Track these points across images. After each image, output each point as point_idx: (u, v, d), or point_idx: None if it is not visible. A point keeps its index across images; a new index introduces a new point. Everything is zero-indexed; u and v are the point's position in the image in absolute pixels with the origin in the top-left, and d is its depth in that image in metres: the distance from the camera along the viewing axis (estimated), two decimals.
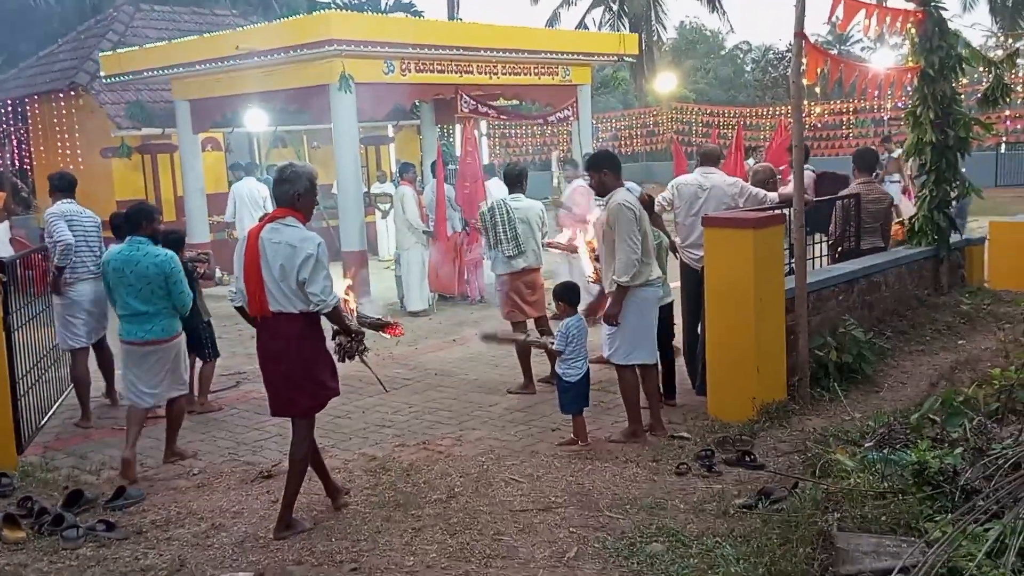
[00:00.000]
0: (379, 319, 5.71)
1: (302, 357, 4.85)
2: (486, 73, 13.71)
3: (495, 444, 6.31)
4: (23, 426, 6.53)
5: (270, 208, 13.62)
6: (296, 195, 4.83)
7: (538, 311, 7.85)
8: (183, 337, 6.40)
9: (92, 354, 7.61)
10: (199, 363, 7.59)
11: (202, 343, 7.53)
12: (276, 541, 4.74)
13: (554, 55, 14.50)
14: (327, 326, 5.09)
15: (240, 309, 5.05)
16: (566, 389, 6.15)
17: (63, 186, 7.58)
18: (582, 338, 6.16)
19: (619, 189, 6.17)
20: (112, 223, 7.37)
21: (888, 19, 7.88)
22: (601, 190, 6.27)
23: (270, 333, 4.84)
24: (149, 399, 6.16)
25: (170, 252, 6.20)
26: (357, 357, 5.20)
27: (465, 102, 12.34)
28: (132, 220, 6.21)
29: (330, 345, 5.11)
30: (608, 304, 6.13)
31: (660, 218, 7.20)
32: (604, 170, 6.21)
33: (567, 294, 6.31)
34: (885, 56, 27.02)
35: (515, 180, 8.03)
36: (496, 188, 12.19)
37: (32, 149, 17.60)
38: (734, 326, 6.35)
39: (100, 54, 15.40)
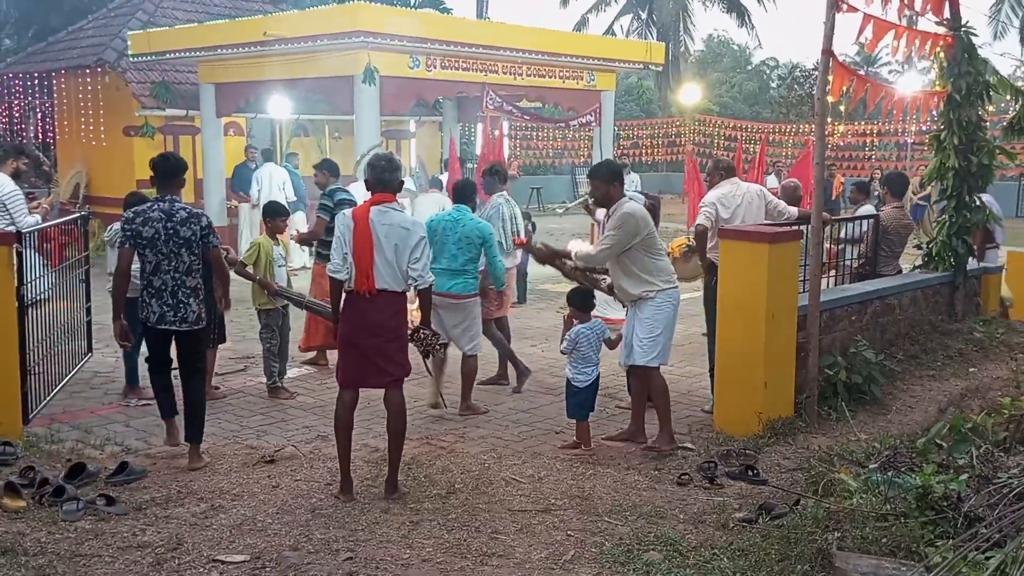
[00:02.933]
0: None
1: (398, 333, 5.26)
2: (511, 73, 13.73)
3: (497, 443, 6.31)
4: (31, 396, 6.58)
5: (290, 193, 13.71)
6: (401, 183, 5.35)
7: (505, 310, 8.09)
8: (475, 300, 7.13)
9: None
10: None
11: (209, 326, 7.48)
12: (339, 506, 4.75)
13: (580, 59, 14.49)
14: None
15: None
16: (574, 394, 6.16)
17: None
18: (592, 345, 6.15)
19: (624, 199, 6.21)
20: (126, 201, 7.39)
21: (917, 41, 7.80)
22: (606, 202, 6.24)
23: (371, 307, 5.14)
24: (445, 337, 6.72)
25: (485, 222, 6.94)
26: (431, 355, 5.44)
27: (491, 99, 12.35)
28: (459, 192, 7.34)
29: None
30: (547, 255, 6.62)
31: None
32: (614, 183, 6.20)
33: (581, 300, 6.29)
34: (913, 80, 26.84)
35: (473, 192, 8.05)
36: (430, 201, 11.53)
37: (56, 123, 17.72)
38: (744, 340, 6.32)
39: (128, 32, 15.48)
